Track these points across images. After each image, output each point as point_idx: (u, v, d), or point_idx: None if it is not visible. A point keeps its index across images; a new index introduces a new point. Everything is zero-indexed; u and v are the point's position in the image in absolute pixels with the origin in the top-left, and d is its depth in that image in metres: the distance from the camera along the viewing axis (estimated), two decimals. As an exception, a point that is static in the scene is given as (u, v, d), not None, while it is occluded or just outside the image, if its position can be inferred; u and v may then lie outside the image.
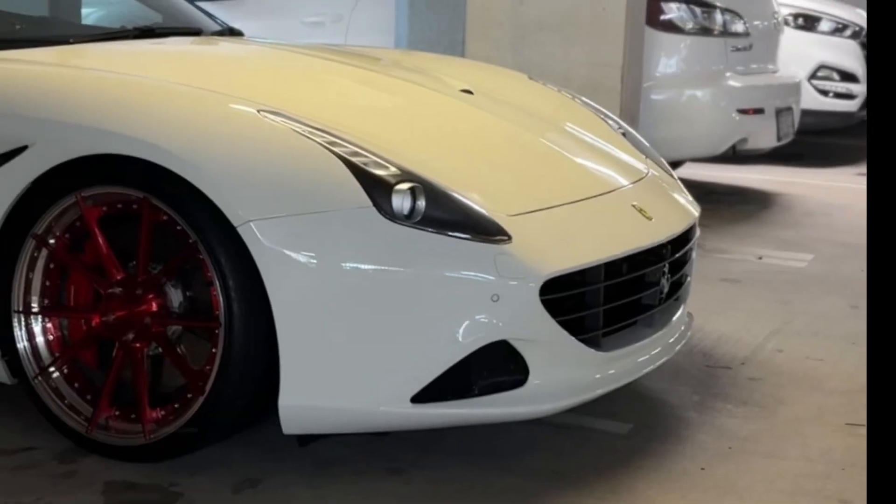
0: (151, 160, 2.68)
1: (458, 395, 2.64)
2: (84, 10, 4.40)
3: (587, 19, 5.42)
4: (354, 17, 6.28)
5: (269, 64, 3.63)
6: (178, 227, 2.71)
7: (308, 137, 2.71)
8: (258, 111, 2.79)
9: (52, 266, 2.88)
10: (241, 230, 2.60)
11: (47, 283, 2.89)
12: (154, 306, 2.78)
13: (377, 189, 2.61)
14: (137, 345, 2.79)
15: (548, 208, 2.88)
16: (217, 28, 4.09)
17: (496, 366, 2.66)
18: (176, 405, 2.75)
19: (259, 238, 2.58)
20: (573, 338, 2.73)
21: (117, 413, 2.82)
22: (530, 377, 2.68)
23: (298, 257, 2.58)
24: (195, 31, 3.97)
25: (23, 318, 2.88)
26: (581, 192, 3.05)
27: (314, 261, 2.58)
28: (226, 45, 3.90)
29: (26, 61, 3.23)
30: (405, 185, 2.62)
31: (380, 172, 2.65)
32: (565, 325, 2.71)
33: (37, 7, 4.19)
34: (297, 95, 3.14)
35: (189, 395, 2.72)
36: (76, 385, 2.87)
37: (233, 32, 4.13)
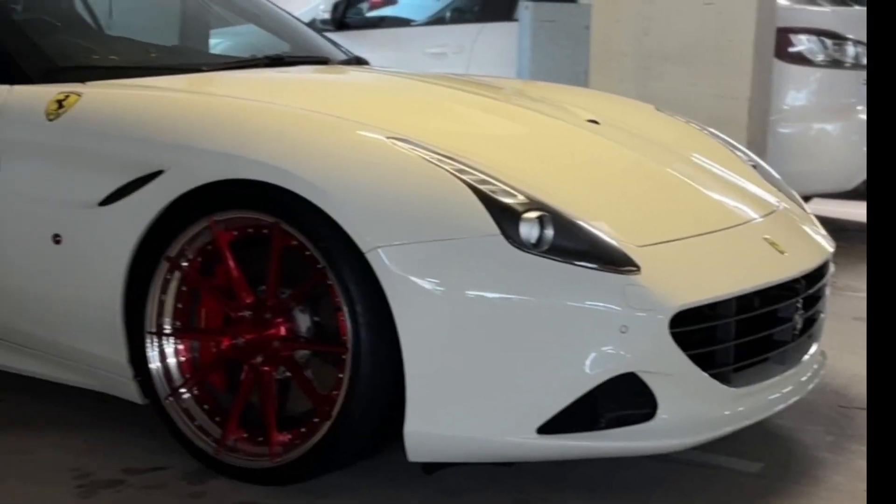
0: (283, 186, 2.72)
1: (585, 427, 2.60)
2: (212, 41, 4.50)
3: (713, 51, 5.36)
4: (476, 48, 6.31)
5: (395, 92, 3.66)
6: (308, 253, 2.73)
7: (437, 165, 2.71)
8: (387, 138, 2.80)
9: (184, 289, 2.93)
10: (369, 256, 2.61)
11: (179, 306, 2.93)
12: (283, 330, 2.81)
13: (505, 217, 2.60)
14: (266, 368, 2.81)
15: (677, 240, 2.83)
16: (343, 57, 4.14)
17: (624, 399, 2.61)
18: (303, 429, 2.76)
19: (387, 264, 2.59)
20: (703, 372, 2.67)
21: (245, 435, 2.85)
22: (658, 411, 2.62)
23: (425, 284, 2.58)
24: (322, 60, 4.03)
25: (155, 340, 2.93)
26: (711, 224, 2.99)
27: (440, 288, 2.58)
28: (353, 74, 3.94)
29: (161, 88, 3.30)
30: (533, 214, 2.61)
31: (508, 200, 2.64)
32: (695, 358, 2.65)
33: (167, 37, 4.30)
34: (423, 123, 3.15)
35: (316, 420, 2.73)
36: (206, 407, 2.91)
37: (359, 62, 4.18)
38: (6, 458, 2.96)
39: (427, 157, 2.73)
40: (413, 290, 2.58)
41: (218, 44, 4.51)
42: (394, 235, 2.60)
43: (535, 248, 2.58)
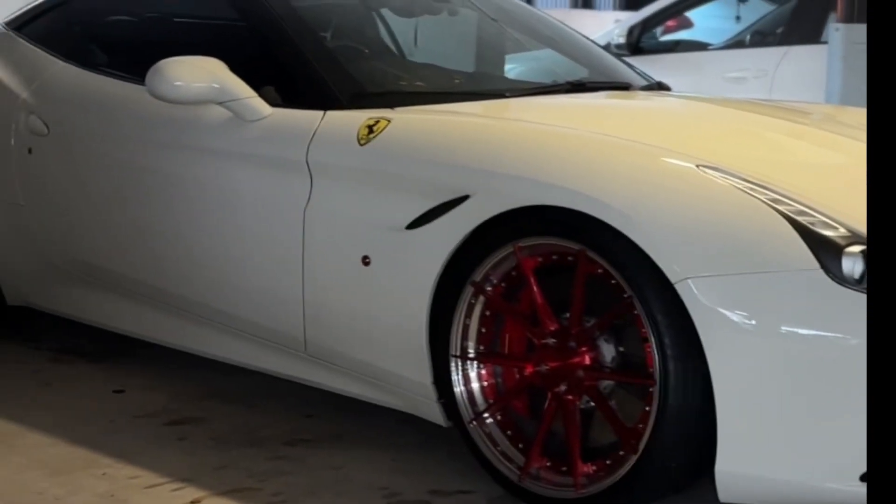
0: (589, 213, 2.69)
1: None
2: (507, 66, 4.54)
3: None
4: (779, 71, 6.13)
5: (701, 118, 3.58)
6: (613, 281, 2.70)
7: (749, 194, 2.62)
8: (696, 166, 2.74)
9: (487, 313, 2.95)
10: (678, 287, 2.55)
11: (483, 330, 2.95)
12: (587, 359, 2.78)
13: (825, 251, 2.49)
14: (569, 397, 2.79)
15: None
16: (644, 82, 4.09)
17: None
18: (607, 461, 2.72)
19: (697, 296, 2.52)
20: None
21: (548, 464, 2.83)
22: None
23: (736, 318, 2.50)
24: (624, 86, 3.99)
25: (459, 363, 2.96)
26: None
27: (753, 322, 2.49)
28: (656, 100, 3.88)
29: (467, 113, 3.35)
30: (856, 248, 2.48)
31: (828, 233, 2.52)
32: None
33: (465, 63, 4.37)
34: (731, 150, 3.06)
35: (621, 453, 2.68)
36: (508, 433, 2.91)
37: (661, 87, 4.11)
38: (320, 473, 3.06)
39: (739, 186, 2.65)
40: (724, 323, 2.50)
41: (513, 68, 4.55)
42: (704, 266, 2.54)
43: (858, 283, 2.46)
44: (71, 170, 3.84)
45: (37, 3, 4.43)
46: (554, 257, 2.84)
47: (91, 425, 3.33)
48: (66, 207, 3.87)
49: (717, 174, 2.70)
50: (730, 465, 2.50)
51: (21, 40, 4.22)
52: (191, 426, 3.35)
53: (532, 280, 2.85)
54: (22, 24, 4.31)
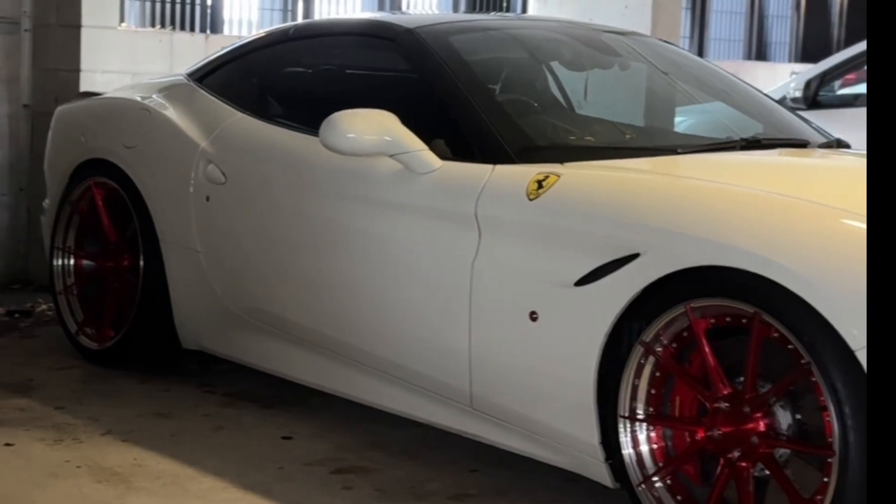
0: (765, 275, 2.63)
1: None
2: (676, 119, 4.47)
3: None
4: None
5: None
6: (790, 346, 2.63)
7: (934, 259, 2.52)
8: (877, 228, 2.64)
9: (657, 374, 2.90)
10: (858, 355, 2.47)
11: (652, 392, 2.91)
12: (762, 426, 2.71)
13: None
14: (743, 464, 2.72)
15: None
16: (823, 139, 3.98)
17: None
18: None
19: (880, 365, 2.43)
20: None
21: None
22: None
23: (921, 388, 2.39)
24: (801, 143, 3.89)
25: (628, 424, 2.91)
26: None
27: (938, 393, 2.38)
28: (834, 158, 3.78)
29: (638, 170, 3.31)
30: None
31: None
32: None
33: (634, 116, 4.32)
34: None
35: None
36: (678, 497, 2.85)
37: (839, 144, 4.00)
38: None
39: (923, 250, 2.55)
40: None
41: (683, 121, 4.48)
42: (888, 333, 2.44)
43: None
44: (246, 218, 3.94)
45: (216, 55, 4.58)
46: (727, 319, 2.78)
47: (261, 471, 3.38)
48: (240, 255, 3.97)
49: None
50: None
51: (201, 91, 4.36)
52: (356, 475, 3.38)
53: (704, 342, 2.79)
54: (203, 76, 4.47)
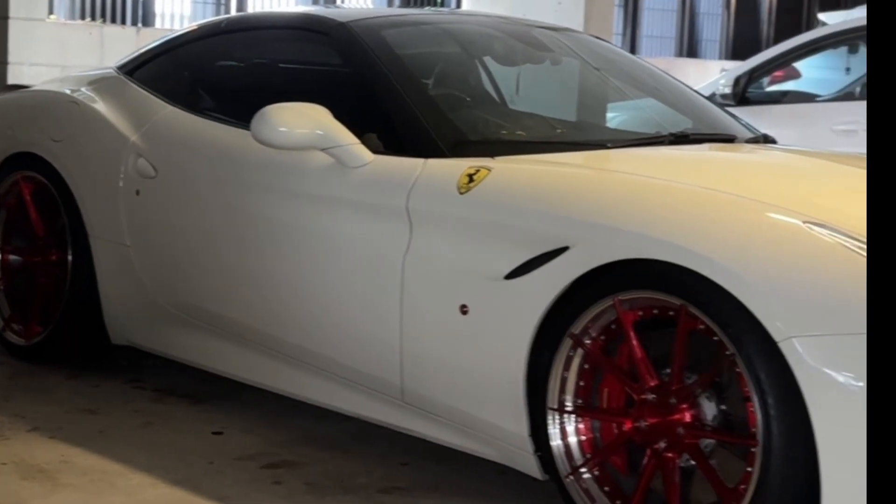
0: (692, 268, 2.66)
1: None
2: (608, 115, 4.51)
3: None
4: None
5: (808, 173, 3.52)
6: (715, 338, 2.66)
7: (857, 252, 2.57)
8: (803, 222, 2.69)
9: (586, 366, 2.92)
10: (782, 346, 2.51)
11: (581, 384, 2.93)
12: (688, 417, 2.74)
13: (935, 312, 2.42)
14: (669, 454, 2.75)
15: None
16: (750, 135, 4.04)
17: None
18: (708, 522, 2.67)
19: (802, 355, 2.48)
20: None
21: (648, 523, 2.79)
22: None
23: (843, 378, 2.45)
24: (729, 138, 3.94)
25: (557, 416, 2.93)
26: None
27: (860, 384, 2.43)
28: (761, 153, 3.83)
29: (567, 164, 3.34)
30: (969, 310, 2.41)
31: (939, 294, 2.45)
32: None
33: (566, 112, 4.35)
34: (840, 207, 2.98)
35: (722, 513, 2.64)
36: (606, 488, 2.87)
37: (766, 139, 4.06)
38: (413, 522, 3.06)
39: (846, 244, 2.60)
40: (830, 384, 2.46)
41: (615, 117, 4.52)
42: (810, 325, 2.49)
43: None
44: (176, 212, 3.91)
45: (147, 48, 4.54)
46: (654, 311, 2.81)
47: (190, 467, 3.36)
48: (170, 249, 3.94)
49: (823, 231, 2.65)
50: (836, 534, 2.43)
51: (132, 84, 4.32)
52: (286, 470, 3.37)
53: (632, 334, 2.82)
54: (133, 69, 4.42)
